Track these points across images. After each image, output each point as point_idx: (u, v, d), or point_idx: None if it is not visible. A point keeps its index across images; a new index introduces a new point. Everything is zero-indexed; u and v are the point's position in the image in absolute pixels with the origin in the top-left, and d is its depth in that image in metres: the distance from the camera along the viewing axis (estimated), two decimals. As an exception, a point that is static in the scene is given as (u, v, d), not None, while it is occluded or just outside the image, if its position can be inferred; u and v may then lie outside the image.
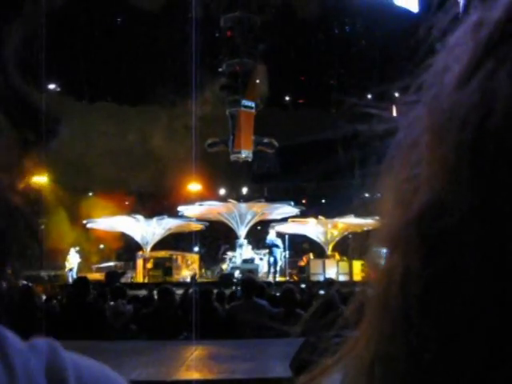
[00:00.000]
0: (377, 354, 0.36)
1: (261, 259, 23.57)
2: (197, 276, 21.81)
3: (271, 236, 23.54)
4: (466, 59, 0.35)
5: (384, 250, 0.41)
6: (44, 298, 9.89)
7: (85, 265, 25.32)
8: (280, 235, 25.03)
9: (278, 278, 22.13)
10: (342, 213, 25.32)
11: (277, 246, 23.03)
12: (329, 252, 25.71)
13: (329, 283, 10.77)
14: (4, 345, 0.53)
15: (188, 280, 20.35)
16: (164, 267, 22.82)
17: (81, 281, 8.36)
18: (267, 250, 23.49)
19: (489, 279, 0.31)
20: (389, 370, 0.35)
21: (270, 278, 21.53)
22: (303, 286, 15.52)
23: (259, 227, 27.61)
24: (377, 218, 0.41)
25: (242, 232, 25.43)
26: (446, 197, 0.33)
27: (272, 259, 22.92)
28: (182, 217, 26.54)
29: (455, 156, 0.33)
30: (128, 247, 28.41)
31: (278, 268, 23.03)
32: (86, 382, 0.54)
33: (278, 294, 10.62)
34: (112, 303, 7.83)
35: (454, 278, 0.33)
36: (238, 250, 24.61)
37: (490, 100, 0.33)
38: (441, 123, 0.35)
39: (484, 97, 0.33)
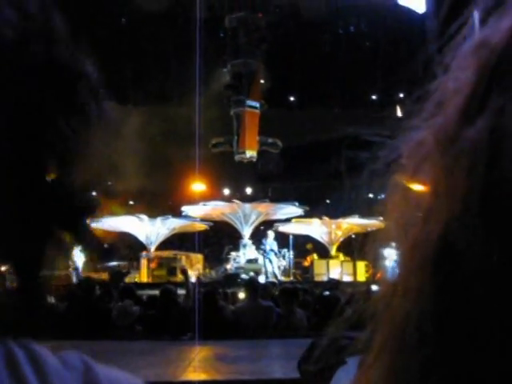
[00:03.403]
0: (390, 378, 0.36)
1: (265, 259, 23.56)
2: (200, 276, 21.75)
3: (269, 239, 23.66)
4: (469, 88, 0.34)
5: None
6: (52, 299, 9.87)
7: (89, 264, 25.29)
8: (283, 236, 25.03)
9: (281, 278, 22.14)
10: (346, 213, 25.33)
11: (272, 251, 23.16)
12: (333, 252, 25.67)
13: (333, 284, 10.76)
14: (41, 364, 0.52)
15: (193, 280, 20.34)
16: (168, 267, 22.80)
17: (86, 281, 8.38)
18: (262, 253, 23.64)
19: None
20: None
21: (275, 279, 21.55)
22: (305, 286, 15.50)
23: (263, 227, 27.59)
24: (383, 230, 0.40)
25: (246, 232, 25.41)
26: (456, 238, 0.32)
27: (267, 261, 23.09)
28: (186, 217, 26.53)
29: (464, 197, 0.32)
30: (132, 247, 28.41)
31: (276, 270, 23.12)
32: None
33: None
34: (120, 304, 7.83)
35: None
36: (242, 250, 24.59)
37: (498, 141, 0.31)
38: (449, 160, 0.33)
39: (492, 137, 0.31)
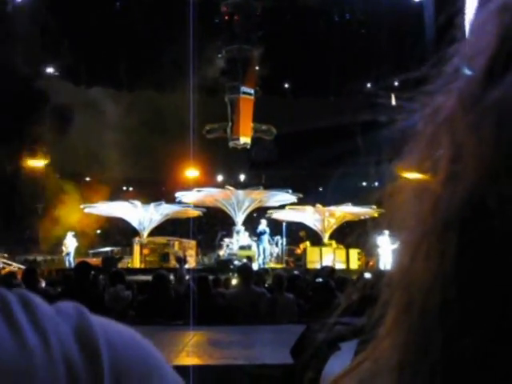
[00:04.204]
0: (406, 358, 0.35)
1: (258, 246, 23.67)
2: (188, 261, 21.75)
3: (262, 225, 23.74)
4: (492, 50, 0.34)
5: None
6: (44, 283, 9.88)
7: (81, 250, 25.33)
8: (276, 223, 25.10)
9: (272, 265, 22.21)
10: (339, 201, 25.40)
11: (264, 233, 23.23)
12: (326, 240, 25.75)
13: (327, 271, 10.80)
14: (34, 310, 0.52)
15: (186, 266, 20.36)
16: (161, 253, 22.84)
17: (82, 265, 8.37)
18: (256, 239, 23.77)
19: None
20: (419, 375, 0.33)
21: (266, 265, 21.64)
22: (299, 273, 15.55)
23: (256, 214, 27.65)
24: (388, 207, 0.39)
25: (240, 219, 25.48)
26: (486, 197, 0.31)
27: (261, 247, 23.19)
28: (179, 203, 26.55)
29: (493, 152, 0.32)
30: (125, 233, 28.42)
31: (267, 254, 23.25)
32: (116, 346, 0.53)
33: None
34: (112, 288, 7.84)
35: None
36: (235, 237, 24.66)
37: None
38: (476, 118, 0.33)
39: None
